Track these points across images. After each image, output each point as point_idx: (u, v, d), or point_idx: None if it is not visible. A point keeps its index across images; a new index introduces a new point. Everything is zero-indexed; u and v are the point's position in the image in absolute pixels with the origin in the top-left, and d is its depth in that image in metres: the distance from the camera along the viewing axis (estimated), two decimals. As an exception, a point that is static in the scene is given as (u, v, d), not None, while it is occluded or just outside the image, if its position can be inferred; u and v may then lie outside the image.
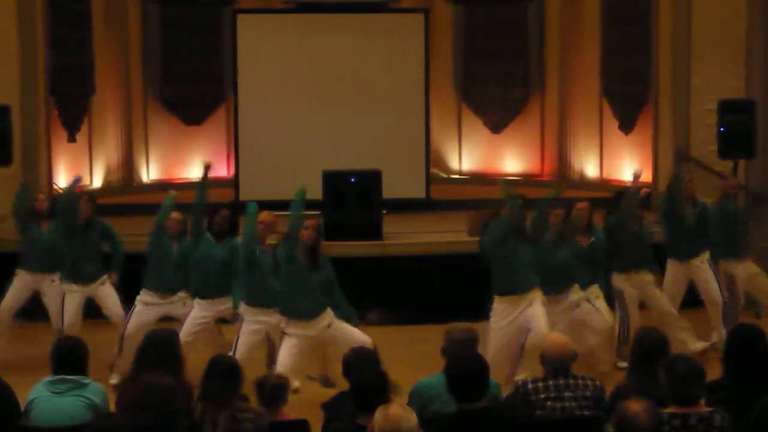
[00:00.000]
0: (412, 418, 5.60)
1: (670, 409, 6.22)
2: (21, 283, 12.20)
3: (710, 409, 6.21)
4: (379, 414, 5.61)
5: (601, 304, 11.33)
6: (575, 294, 11.21)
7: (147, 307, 11.57)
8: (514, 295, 10.65)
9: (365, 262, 13.79)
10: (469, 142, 20.05)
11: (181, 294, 11.71)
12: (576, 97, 19.10)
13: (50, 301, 12.13)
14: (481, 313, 12.71)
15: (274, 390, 7.19)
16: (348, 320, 10.49)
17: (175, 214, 11.83)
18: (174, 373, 7.11)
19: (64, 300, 11.93)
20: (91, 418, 6.34)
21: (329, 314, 10.32)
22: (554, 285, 11.08)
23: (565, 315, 11.12)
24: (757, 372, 6.74)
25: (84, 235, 11.99)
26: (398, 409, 5.65)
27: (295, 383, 9.98)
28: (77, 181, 12.54)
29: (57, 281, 12.09)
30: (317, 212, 14.70)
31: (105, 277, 12.10)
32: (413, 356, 10.91)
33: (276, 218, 11.02)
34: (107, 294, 12.02)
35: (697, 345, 11.93)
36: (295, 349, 10.18)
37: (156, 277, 11.66)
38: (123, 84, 18.80)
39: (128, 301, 11.89)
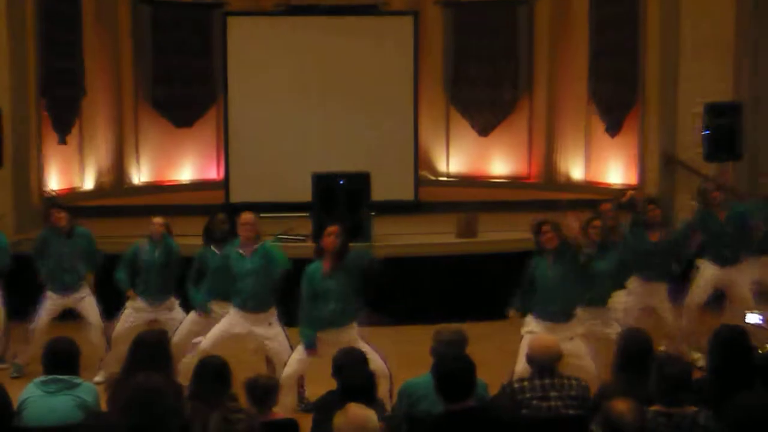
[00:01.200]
0: (373, 416, 5.64)
1: (655, 407, 6.28)
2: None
3: (695, 408, 6.27)
4: (339, 418, 5.61)
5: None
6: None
7: (136, 312, 11.61)
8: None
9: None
10: (457, 145, 20.10)
11: (170, 300, 11.76)
12: (564, 100, 19.15)
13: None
14: (469, 313, 12.82)
15: (265, 391, 7.24)
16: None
17: (158, 219, 11.84)
18: (164, 373, 7.16)
19: (43, 304, 12.01)
20: (83, 418, 6.37)
21: (354, 328, 10.22)
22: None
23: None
24: (740, 370, 6.81)
25: (67, 245, 12.01)
26: (358, 410, 5.65)
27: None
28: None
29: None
30: (306, 214, 14.81)
31: (87, 289, 12.15)
32: (401, 356, 10.90)
33: (257, 217, 10.92)
34: (88, 306, 12.05)
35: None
36: (302, 364, 10.17)
37: (142, 282, 11.71)
38: (114, 86, 18.82)
39: (111, 300, 11.99)
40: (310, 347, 9.94)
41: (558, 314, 9.99)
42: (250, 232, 10.61)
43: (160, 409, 6.23)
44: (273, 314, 10.63)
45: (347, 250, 10.25)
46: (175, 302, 11.75)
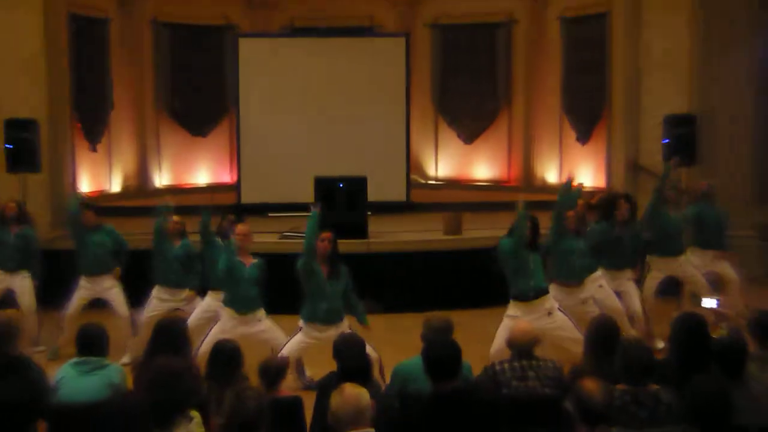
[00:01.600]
0: (365, 394, 5.60)
1: (622, 386, 6.27)
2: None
3: (657, 387, 6.26)
4: (335, 397, 5.57)
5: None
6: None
7: (160, 302, 11.59)
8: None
9: (352, 258, 13.71)
10: (444, 151, 20.10)
11: (188, 292, 11.74)
12: (539, 112, 19.15)
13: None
14: (455, 303, 12.81)
15: (277, 371, 7.26)
16: (360, 322, 10.43)
17: (175, 217, 11.82)
18: (183, 356, 7.15)
19: (75, 293, 11.99)
20: (110, 395, 6.36)
21: (344, 325, 10.18)
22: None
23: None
24: (698, 355, 6.80)
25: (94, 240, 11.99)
26: (352, 389, 5.61)
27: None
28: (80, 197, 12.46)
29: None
30: (309, 213, 14.80)
31: (114, 280, 12.11)
32: (395, 341, 10.90)
33: (250, 230, 10.81)
34: (115, 296, 12.04)
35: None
36: (303, 344, 10.15)
37: (161, 273, 11.69)
38: (137, 100, 18.81)
39: (138, 290, 11.99)
40: None
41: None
42: (246, 242, 10.49)
43: (179, 388, 6.22)
44: (261, 312, 10.55)
45: (338, 254, 10.24)
46: (195, 297, 11.72)
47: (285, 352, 9.60)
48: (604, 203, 12.23)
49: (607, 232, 11.79)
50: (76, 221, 11.91)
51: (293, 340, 10.12)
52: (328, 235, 10.24)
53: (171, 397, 6.10)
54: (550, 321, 9.98)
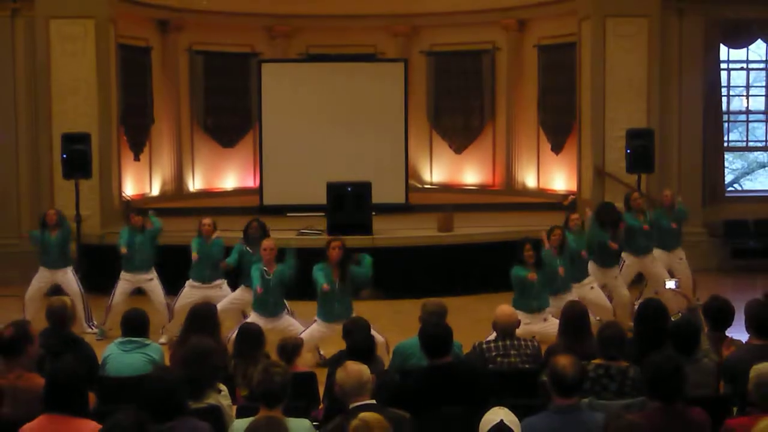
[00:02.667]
0: (366, 369, 5.55)
1: (597, 361, 6.26)
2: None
3: (626, 363, 6.25)
4: (340, 373, 5.52)
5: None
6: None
7: (192, 289, 11.54)
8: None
9: (358, 252, 13.78)
10: (437, 160, 20.05)
11: (218, 281, 11.70)
12: (519, 125, 19.11)
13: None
14: (448, 290, 12.77)
15: (293, 348, 7.24)
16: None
17: (207, 220, 11.78)
18: (213, 337, 7.13)
19: (118, 284, 11.98)
20: (151, 370, 6.33)
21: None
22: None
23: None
24: (656, 334, 6.78)
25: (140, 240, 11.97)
26: (355, 365, 5.56)
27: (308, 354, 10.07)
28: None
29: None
30: (322, 213, 14.77)
31: (153, 272, 12.07)
32: (396, 324, 10.88)
33: (275, 243, 10.65)
34: (154, 287, 12.02)
35: None
36: (318, 333, 10.11)
37: (197, 270, 11.66)
38: (175, 116, 18.76)
39: (174, 280, 11.97)
40: None
41: None
42: (271, 255, 10.40)
43: (209, 364, 6.20)
44: (284, 311, 10.52)
45: (348, 260, 10.18)
46: (223, 282, 11.69)
47: (305, 337, 9.57)
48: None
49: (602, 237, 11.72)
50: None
51: (311, 329, 10.10)
52: (339, 243, 10.17)
53: (202, 372, 6.08)
54: (544, 325, 9.98)
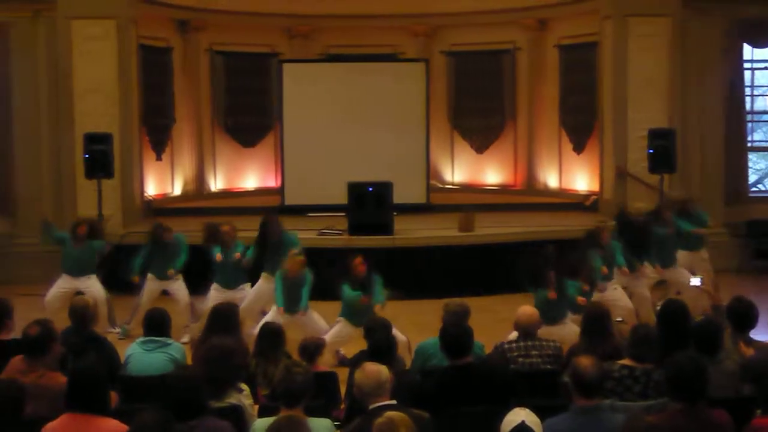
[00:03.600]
0: (384, 369, 5.57)
1: (623, 361, 6.26)
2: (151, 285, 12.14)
3: (651, 365, 6.23)
4: (359, 374, 5.55)
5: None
6: None
7: (216, 292, 11.57)
8: None
9: (379, 252, 13.75)
10: (459, 160, 20.03)
11: (242, 286, 11.75)
12: (540, 125, 19.06)
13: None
14: (468, 290, 12.75)
15: (315, 348, 7.26)
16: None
17: (226, 227, 11.83)
18: (234, 337, 7.15)
19: (145, 285, 12.04)
20: (172, 370, 6.36)
21: None
22: None
23: None
24: (679, 334, 6.76)
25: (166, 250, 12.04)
26: (373, 366, 5.58)
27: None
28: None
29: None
30: (343, 214, 14.78)
31: (179, 276, 12.14)
32: (416, 324, 10.87)
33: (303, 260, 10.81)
34: (179, 288, 12.08)
35: None
36: (344, 334, 10.17)
37: (220, 275, 11.72)
38: (196, 116, 18.80)
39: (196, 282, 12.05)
40: None
41: None
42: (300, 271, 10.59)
43: (230, 364, 6.22)
44: (305, 308, 10.59)
45: (372, 276, 10.28)
46: (246, 285, 11.74)
47: (328, 338, 9.59)
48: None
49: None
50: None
51: (337, 330, 10.15)
52: (360, 259, 10.24)
53: (224, 372, 6.10)
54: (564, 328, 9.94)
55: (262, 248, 11.59)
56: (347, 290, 10.11)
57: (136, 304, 11.90)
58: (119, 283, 13.10)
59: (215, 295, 11.49)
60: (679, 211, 12.77)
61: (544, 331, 8.07)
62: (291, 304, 10.44)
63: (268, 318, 10.22)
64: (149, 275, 12.01)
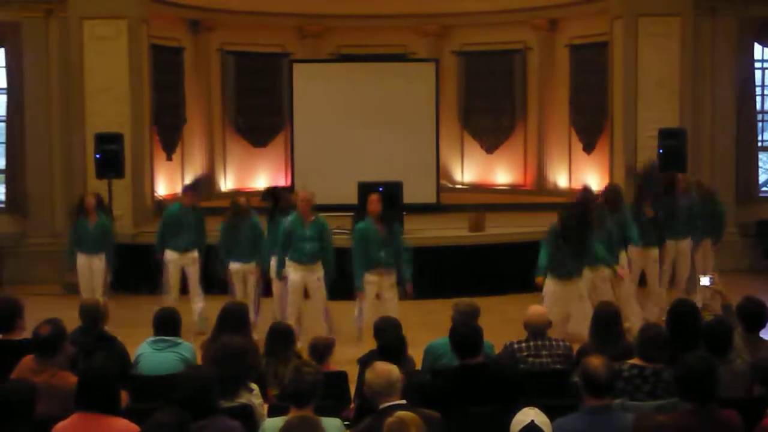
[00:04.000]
0: (395, 369, 5.56)
1: (632, 361, 6.24)
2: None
3: (662, 365, 6.21)
4: (369, 373, 5.53)
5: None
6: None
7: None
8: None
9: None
10: (469, 160, 20.03)
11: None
12: (550, 125, 19.05)
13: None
14: (479, 290, 12.74)
15: (324, 348, 7.25)
16: None
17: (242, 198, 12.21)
18: (244, 336, 7.15)
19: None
20: (183, 369, 6.36)
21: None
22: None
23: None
24: (689, 334, 6.74)
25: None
26: (384, 366, 5.56)
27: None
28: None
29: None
30: (353, 213, 14.77)
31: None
32: (427, 323, 10.87)
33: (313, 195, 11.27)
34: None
35: None
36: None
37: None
38: (207, 116, 18.83)
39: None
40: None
41: None
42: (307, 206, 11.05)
43: (241, 364, 6.21)
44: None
45: (392, 216, 10.75)
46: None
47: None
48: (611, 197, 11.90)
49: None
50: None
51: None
52: (377, 196, 11.15)
53: (234, 372, 6.09)
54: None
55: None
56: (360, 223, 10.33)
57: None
58: (128, 284, 13.21)
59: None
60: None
61: None
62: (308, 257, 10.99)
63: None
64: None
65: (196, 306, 12.06)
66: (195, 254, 12.21)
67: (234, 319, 7.42)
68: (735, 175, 16.48)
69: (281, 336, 7.36)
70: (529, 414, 4.97)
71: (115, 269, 12.55)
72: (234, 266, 11.79)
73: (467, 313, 7.42)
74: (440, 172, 18.50)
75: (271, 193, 12.32)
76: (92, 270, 12.21)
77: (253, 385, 6.35)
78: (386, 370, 5.51)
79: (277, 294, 11.63)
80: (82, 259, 12.19)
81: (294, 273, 11.01)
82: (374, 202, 10.79)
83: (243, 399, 6.13)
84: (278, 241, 11.16)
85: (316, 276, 11.06)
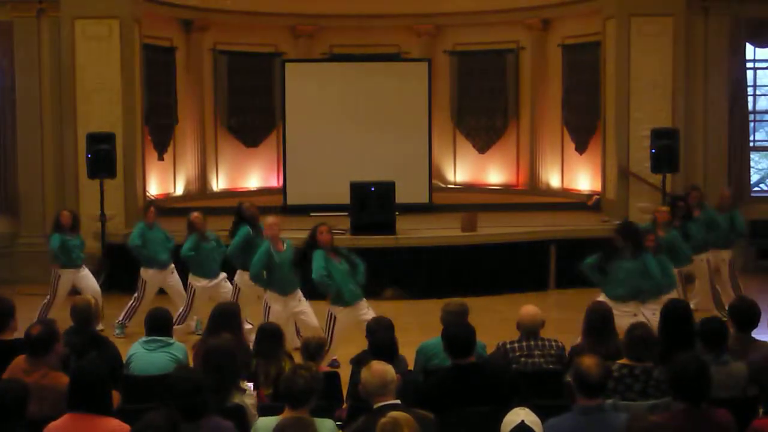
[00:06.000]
0: (390, 369, 5.56)
1: (622, 361, 6.25)
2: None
3: (652, 364, 6.23)
4: (364, 372, 5.54)
5: None
6: None
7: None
8: None
9: (382, 252, 13.78)
10: (461, 160, 20.03)
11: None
12: (543, 125, 19.06)
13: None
14: (471, 290, 12.76)
15: (316, 348, 7.24)
16: None
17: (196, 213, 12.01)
18: (236, 335, 7.15)
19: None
20: (174, 370, 6.35)
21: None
22: None
23: None
24: (682, 335, 6.76)
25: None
26: (379, 365, 5.57)
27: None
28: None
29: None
30: (345, 213, 14.77)
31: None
32: (419, 324, 10.88)
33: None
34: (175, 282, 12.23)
35: None
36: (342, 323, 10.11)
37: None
38: (199, 116, 18.82)
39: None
40: None
41: None
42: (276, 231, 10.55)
43: (232, 365, 6.21)
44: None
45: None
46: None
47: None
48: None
49: None
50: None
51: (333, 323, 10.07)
52: (325, 228, 10.04)
53: (225, 373, 6.09)
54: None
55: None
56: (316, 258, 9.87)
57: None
58: (120, 284, 13.20)
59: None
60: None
61: None
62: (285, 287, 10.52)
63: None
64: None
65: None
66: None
67: (226, 319, 7.41)
68: (727, 174, 16.50)
69: (270, 336, 7.35)
70: (519, 414, 4.98)
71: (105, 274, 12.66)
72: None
73: (456, 313, 7.42)
74: (433, 171, 18.48)
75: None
76: (79, 280, 12.20)
77: (245, 384, 6.35)
78: (381, 370, 5.52)
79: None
80: (67, 275, 12.16)
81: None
82: (323, 233, 9.96)
83: (235, 398, 6.13)
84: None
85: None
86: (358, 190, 14.70)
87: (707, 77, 16.34)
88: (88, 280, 12.24)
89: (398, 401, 5.45)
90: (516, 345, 7.31)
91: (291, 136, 17.93)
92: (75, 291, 12.00)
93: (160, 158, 17.72)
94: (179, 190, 18.41)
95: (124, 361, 7.19)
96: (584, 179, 18.14)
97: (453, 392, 6.16)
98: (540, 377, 7.04)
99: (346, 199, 14.74)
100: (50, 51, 15.77)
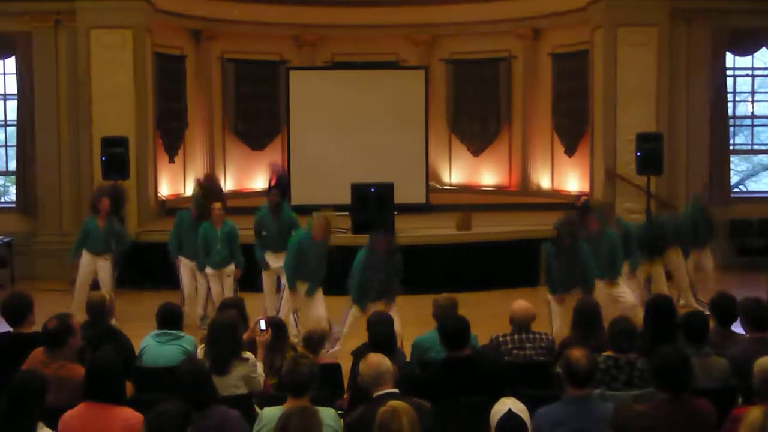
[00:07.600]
0: (386, 361, 5.57)
1: (606, 353, 6.25)
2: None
3: (635, 355, 6.23)
4: (361, 364, 5.57)
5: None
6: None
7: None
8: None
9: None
10: (456, 162, 20.04)
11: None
12: (534, 130, 19.07)
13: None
14: (466, 286, 12.74)
15: (319, 339, 7.24)
16: None
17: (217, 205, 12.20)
18: (242, 327, 7.14)
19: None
20: (182, 362, 6.35)
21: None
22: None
23: None
24: (665, 327, 6.76)
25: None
26: (375, 357, 5.58)
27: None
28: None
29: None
30: (347, 213, 14.76)
31: None
32: (417, 318, 10.85)
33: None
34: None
35: None
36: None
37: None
38: (208, 121, 18.83)
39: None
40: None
41: None
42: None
43: (230, 335, 6.30)
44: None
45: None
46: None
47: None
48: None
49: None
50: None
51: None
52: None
53: (224, 343, 6.15)
54: None
55: None
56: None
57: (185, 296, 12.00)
58: (132, 281, 13.19)
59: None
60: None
61: None
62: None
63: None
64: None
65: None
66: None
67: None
68: (709, 176, 16.50)
69: (275, 329, 7.34)
70: (505, 403, 4.98)
71: (120, 269, 12.58)
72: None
73: (447, 307, 7.42)
74: (429, 173, 18.49)
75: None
76: (97, 268, 12.14)
77: (248, 354, 6.39)
78: (376, 361, 5.54)
79: (267, 289, 11.68)
80: (87, 258, 12.12)
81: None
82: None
83: (240, 370, 6.18)
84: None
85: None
86: (358, 191, 14.69)
87: (690, 84, 16.34)
88: (104, 272, 12.20)
89: (396, 390, 5.47)
90: (508, 338, 7.31)
91: (295, 140, 17.94)
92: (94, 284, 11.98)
93: (171, 161, 17.72)
94: (189, 191, 18.37)
95: (136, 353, 7.19)
96: (573, 181, 18.15)
97: (448, 383, 6.16)
98: (531, 368, 7.03)
99: (347, 200, 14.74)
100: (67, 59, 15.78)
